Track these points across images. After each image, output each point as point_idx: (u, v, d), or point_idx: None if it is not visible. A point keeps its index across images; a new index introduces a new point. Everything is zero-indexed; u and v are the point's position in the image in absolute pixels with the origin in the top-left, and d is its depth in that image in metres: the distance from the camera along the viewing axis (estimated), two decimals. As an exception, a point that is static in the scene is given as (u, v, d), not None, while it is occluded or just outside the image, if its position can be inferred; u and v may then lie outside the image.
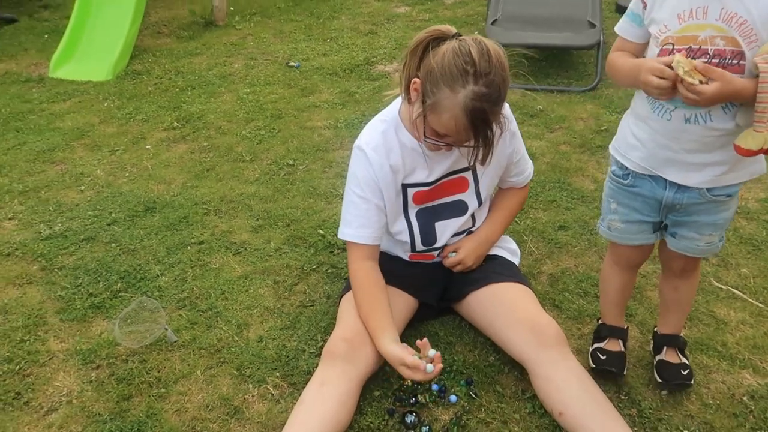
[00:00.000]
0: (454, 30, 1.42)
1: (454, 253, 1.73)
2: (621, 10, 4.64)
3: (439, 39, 1.41)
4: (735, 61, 1.21)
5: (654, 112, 1.33)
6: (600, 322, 1.72)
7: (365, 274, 1.63)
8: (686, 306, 1.63)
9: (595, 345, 1.68)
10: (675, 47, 1.25)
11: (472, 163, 1.52)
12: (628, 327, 1.72)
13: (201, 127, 3.11)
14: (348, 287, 1.73)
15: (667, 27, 1.27)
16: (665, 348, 1.63)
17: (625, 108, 3.00)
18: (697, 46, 1.23)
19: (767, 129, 1.18)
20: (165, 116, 3.24)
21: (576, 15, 3.76)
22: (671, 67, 1.20)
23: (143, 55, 4.11)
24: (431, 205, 1.67)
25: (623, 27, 1.39)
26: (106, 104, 3.43)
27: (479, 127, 1.38)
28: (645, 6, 1.32)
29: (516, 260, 1.87)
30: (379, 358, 1.58)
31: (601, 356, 1.63)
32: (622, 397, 1.58)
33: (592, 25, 3.65)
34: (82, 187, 2.61)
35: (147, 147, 2.95)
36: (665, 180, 1.38)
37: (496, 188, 1.85)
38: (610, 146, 1.49)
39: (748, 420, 1.51)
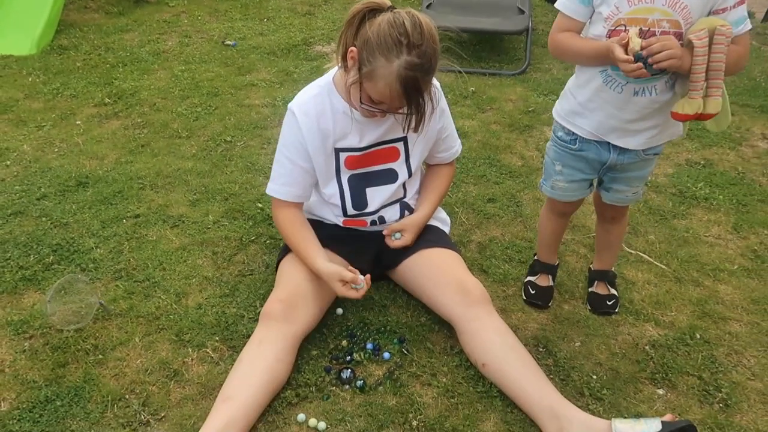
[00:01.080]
0: (389, 3, 1.49)
1: (398, 234, 1.78)
2: (549, -2, 4.87)
3: (375, 11, 1.48)
4: (677, 41, 1.37)
5: (606, 85, 1.49)
6: (535, 258, 1.96)
7: (289, 215, 1.74)
8: (616, 246, 1.89)
9: (528, 278, 1.92)
10: (626, 28, 1.39)
11: (406, 132, 1.61)
12: (558, 264, 1.96)
13: (134, 104, 3.05)
14: (284, 251, 1.80)
15: (618, 9, 1.41)
16: (596, 281, 1.90)
17: (551, 91, 3.15)
18: (647, 28, 1.39)
19: (700, 96, 1.38)
20: (95, 92, 3.16)
21: (506, 1, 3.91)
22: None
23: (69, 30, 3.96)
24: (363, 171, 1.75)
25: (569, 6, 1.48)
26: (30, 79, 3.30)
27: (412, 94, 1.47)
28: None
29: (446, 228, 1.98)
30: (315, 317, 1.66)
31: (531, 290, 1.88)
32: (540, 350, 1.72)
33: (521, 12, 3.82)
34: (8, 162, 2.53)
35: (77, 123, 2.88)
36: (609, 144, 1.57)
37: (425, 165, 1.94)
38: (554, 113, 1.64)
39: (648, 366, 1.68)
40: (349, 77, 1.53)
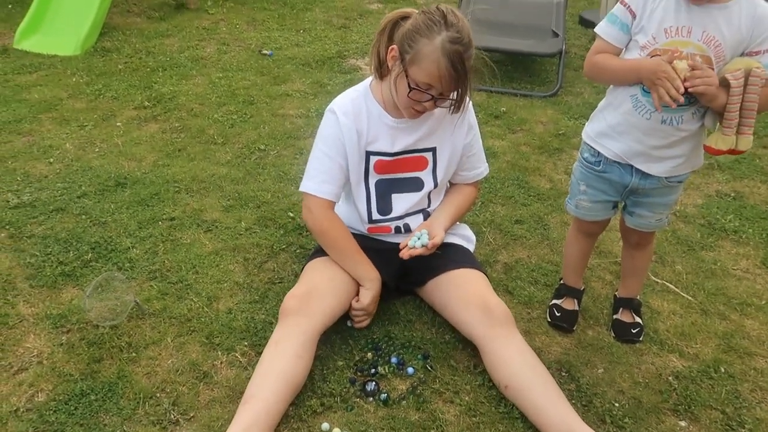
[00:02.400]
0: (417, 10, 1.61)
1: (418, 241, 1.76)
2: (585, 22, 4.90)
3: (406, 17, 1.61)
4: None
5: (636, 111, 1.53)
6: (561, 282, 1.98)
7: (330, 215, 1.77)
8: (642, 273, 1.90)
9: (554, 301, 1.94)
10: (681, 51, 1.44)
11: (452, 112, 1.67)
12: (584, 289, 1.98)
13: (172, 108, 3.14)
14: (310, 258, 1.85)
15: (655, 39, 1.46)
16: (621, 309, 1.91)
17: (582, 115, 3.18)
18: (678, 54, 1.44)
19: (733, 133, 1.43)
20: (136, 95, 3.26)
21: (541, 24, 3.95)
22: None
23: (113, 32, 4.09)
24: (390, 177, 1.80)
25: (608, 32, 1.54)
26: (74, 79, 3.41)
27: (458, 67, 1.53)
28: (634, 17, 1.49)
29: (471, 247, 2.00)
30: (332, 311, 1.70)
31: (556, 313, 1.90)
32: (563, 374, 1.73)
33: (555, 35, 3.84)
34: (51, 160, 2.62)
35: (117, 124, 2.97)
36: (632, 167, 1.60)
37: (449, 184, 1.97)
38: (583, 134, 1.69)
39: (671, 397, 1.68)
40: (393, 74, 1.60)
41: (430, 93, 1.60)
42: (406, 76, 1.58)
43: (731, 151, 1.46)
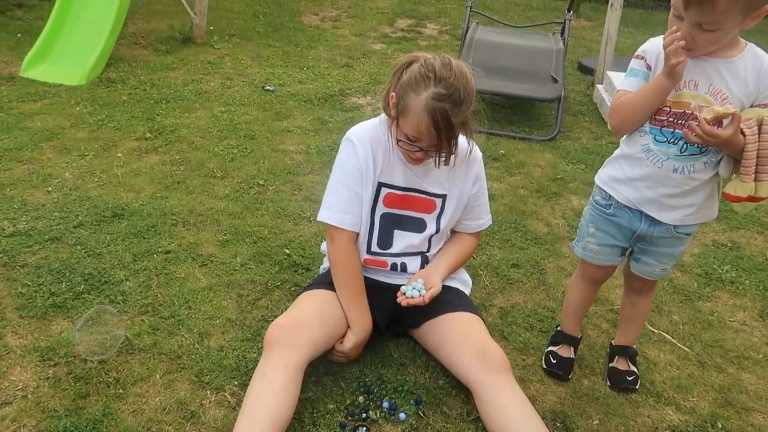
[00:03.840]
0: (429, 54, 1.62)
1: (414, 290, 1.77)
2: (583, 68, 4.99)
3: (411, 64, 1.63)
4: (716, 126, 1.44)
5: (648, 159, 1.55)
6: (558, 329, 1.97)
7: (350, 250, 1.76)
8: (640, 321, 1.90)
9: (550, 348, 1.92)
10: (672, 110, 1.49)
11: (437, 166, 1.65)
12: (581, 337, 1.96)
13: (173, 140, 3.16)
14: (304, 290, 1.85)
15: None
16: (617, 357, 1.90)
17: (580, 160, 3.21)
18: (690, 111, 1.47)
19: (752, 180, 1.45)
20: (138, 126, 3.29)
21: (540, 69, 4.02)
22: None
23: (119, 64, 4.15)
24: (397, 213, 1.81)
25: (630, 83, 1.55)
26: (77, 109, 3.44)
27: (441, 125, 1.54)
28: (650, 69, 1.52)
29: (467, 290, 1.99)
30: (318, 343, 1.68)
31: (552, 359, 1.88)
32: (558, 424, 1.70)
33: (555, 80, 3.91)
34: (49, 188, 2.62)
35: (118, 155, 2.98)
36: (642, 213, 1.62)
37: (450, 232, 1.97)
38: (596, 179, 1.71)
39: (668, 452, 1.65)
40: (390, 120, 1.64)
41: (417, 145, 1.63)
42: (397, 126, 1.62)
43: (750, 198, 1.47)
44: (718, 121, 1.41)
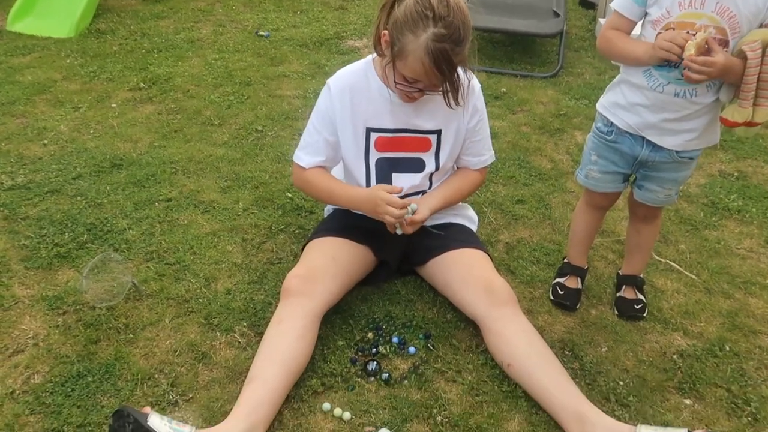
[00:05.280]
0: None
1: (412, 209, 1.71)
2: (585, 3, 4.83)
3: None
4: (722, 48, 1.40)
5: (649, 84, 1.51)
6: (564, 260, 1.96)
7: (314, 172, 1.76)
8: (646, 249, 1.88)
9: (557, 280, 1.92)
10: (698, 25, 1.42)
11: (450, 106, 1.59)
12: (588, 268, 1.95)
13: (168, 90, 3.09)
14: (309, 238, 1.83)
15: (669, 12, 1.44)
16: (624, 286, 1.89)
17: (583, 95, 3.15)
18: (694, 32, 1.41)
19: (750, 105, 1.41)
20: (131, 76, 3.21)
21: (541, 4, 3.89)
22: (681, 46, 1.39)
23: (107, 14, 4.02)
24: (392, 156, 1.76)
25: (625, 5, 1.52)
26: (68, 61, 3.36)
27: (444, 67, 1.47)
28: None
29: (474, 227, 1.97)
30: (335, 292, 1.67)
31: (559, 291, 1.88)
32: (567, 353, 1.71)
33: (556, 15, 3.78)
34: (45, 141, 2.58)
35: (112, 106, 2.92)
36: (643, 139, 1.59)
37: (454, 167, 1.93)
38: (598, 105, 1.68)
39: (676, 375, 1.66)
40: (384, 60, 1.56)
41: (416, 86, 1.57)
42: (394, 68, 1.54)
43: (747, 124, 1.43)
44: (702, 51, 1.37)
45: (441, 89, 1.54)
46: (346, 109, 1.69)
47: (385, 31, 1.52)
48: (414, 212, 1.68)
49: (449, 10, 1.45)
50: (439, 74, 1.49)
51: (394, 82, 1.58)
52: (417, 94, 1.61)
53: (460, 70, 1.54)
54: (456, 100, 1.55)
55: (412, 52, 1.47)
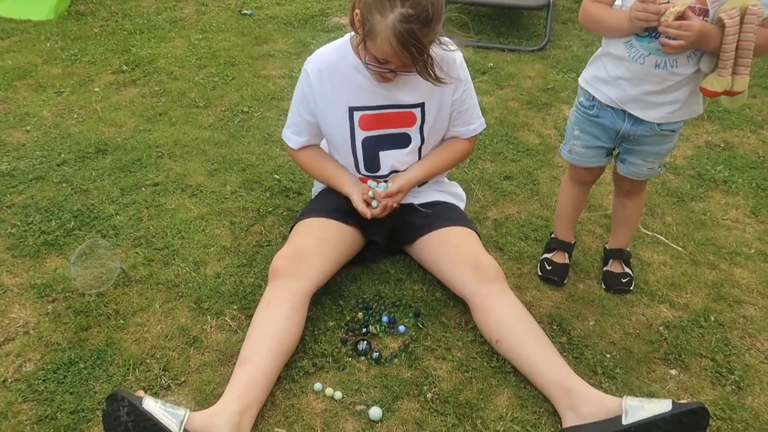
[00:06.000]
0: None
1: (384, 185, 1.75)
2: (571, -26, 4.76)
3: None
4: (701, 17, 1.38)
5: (630, 56, 1.50)
6: (552, 236, 1.97)
7: (308, 152, 1.85)
8: (632, 223, 1.89)
9: (544, 255, 1.94)
10: (656, 1, 1.40)
11: (431, 79, 1.54)
12: (575, 243, 1.97)
13: (152, 72, 3.05)
14: (298, 219, 1.83)
15: None
16: (611, 260, 1.91)
17: (571, 69, 3.13)
18: (674, 3, 1.39)
19: (729, 74, 1.40)
20: (113, 59, 3.16)
21: (528, -24, 3.84)
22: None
23: (87, -5, 3.94)
24: (377, 134, 1.74)
25: None
26: (48, 45, 3.30)
27: (411, 48, 1.44)
28: None
29: (462, 205, 1.98)
30: (323, 273, 1.69)
31: (547, 266, 1.89)
32: (554, 327, 1.74)
33: (543, -13, 3.74)
34: (28, 128, 2.55)
35: (95, 89, 2.88)
36: (625, 113, 1.59)
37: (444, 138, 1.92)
38: (580, 80, 1.67)
39: (662, 346, 1.69)
40: (357, 40, 1.54)
41: (388, 67, 1.55)
42: (365, 48, 1.52)
43: (727, 93, 1.42)
44: (681, 18, 1.36)
45: (414, 69, 1.52)
46: (326, 91, 1.68)
47: (357, 10, 1.49)
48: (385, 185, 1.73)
49: None
50: (408, 55, 1.46)
51: (366, 62, 1.56)
52: (390, 74, 1.59)
53: (435, 48, 1.52)
54: (434, 77, 1.53)
55: (380, 32, 1.44)
